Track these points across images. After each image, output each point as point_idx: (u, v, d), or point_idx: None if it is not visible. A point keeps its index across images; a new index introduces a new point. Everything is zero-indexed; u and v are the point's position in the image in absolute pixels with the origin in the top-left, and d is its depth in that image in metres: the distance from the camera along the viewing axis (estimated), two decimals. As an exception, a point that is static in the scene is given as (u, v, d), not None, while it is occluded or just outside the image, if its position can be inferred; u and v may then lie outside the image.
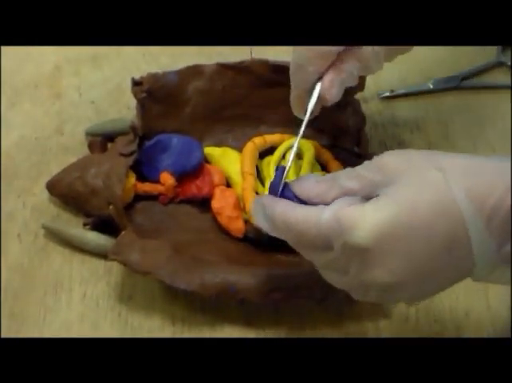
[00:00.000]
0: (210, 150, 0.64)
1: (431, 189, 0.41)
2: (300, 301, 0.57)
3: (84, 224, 0.62)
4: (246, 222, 0.61)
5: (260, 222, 0.48)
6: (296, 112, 0.56)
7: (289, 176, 0.61)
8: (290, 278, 0.56)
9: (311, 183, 0.46)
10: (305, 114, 0.54)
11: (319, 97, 0.53)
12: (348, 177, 0.45)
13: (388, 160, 0.44)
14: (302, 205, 0.46)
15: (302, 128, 0.53)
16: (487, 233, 0.41)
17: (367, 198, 0.44)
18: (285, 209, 0.46)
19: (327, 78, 0.53)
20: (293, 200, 0.47)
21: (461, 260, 0.42)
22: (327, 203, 0.44)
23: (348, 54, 0.53)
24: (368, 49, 0.53)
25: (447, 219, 0.41)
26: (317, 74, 0.53)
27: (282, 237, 0.47)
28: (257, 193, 0.61)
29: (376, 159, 0.45)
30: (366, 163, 0.45)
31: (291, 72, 0.55)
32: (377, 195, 0.43)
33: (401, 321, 0.58)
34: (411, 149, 0.45)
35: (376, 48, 0.53)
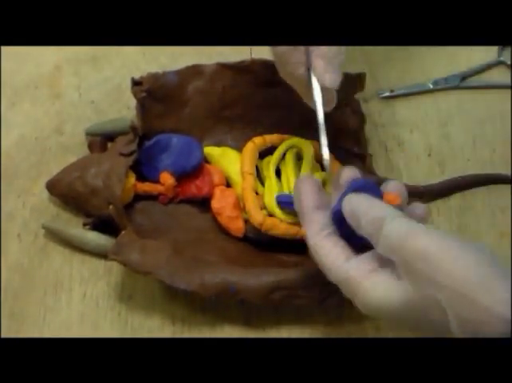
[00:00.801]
0: (209, 150, 0.64)
1: (433, 310, 0.44)
2: (300, 301, 0.57)
3: (84, 224, 0.62)
4: (246, 221, 0.61)
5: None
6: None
7: (289, 173, 0.61)
8: (290, 278, 0.56)
9: (361, 215, 0.48)
10: (316, 108, 0.53)
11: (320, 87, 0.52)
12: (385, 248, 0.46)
13: (413, 259, 0.44)
14: (331, 252, 0.49)
15: (320, 115, 0.53)
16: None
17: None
18: (317, 246, 0.49)
19: (316, 65, 0.52)
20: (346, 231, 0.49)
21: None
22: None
23: None
24: None
25: (435, 331, 0.46)
26: (302, 65, 0.52)
27: None
28: (256, 193, 0.61)
29: (409, 243, 0.44)
30: (400, 231, 0.45)
31: (282, 75, 0.54)
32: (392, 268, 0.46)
33: (401, 321, 0.58)
34: (442, 253, 0.44)
35: None
